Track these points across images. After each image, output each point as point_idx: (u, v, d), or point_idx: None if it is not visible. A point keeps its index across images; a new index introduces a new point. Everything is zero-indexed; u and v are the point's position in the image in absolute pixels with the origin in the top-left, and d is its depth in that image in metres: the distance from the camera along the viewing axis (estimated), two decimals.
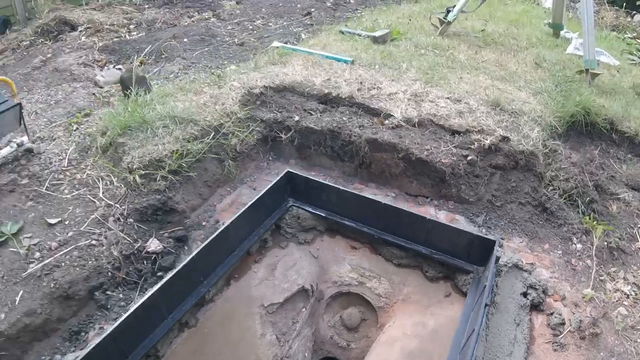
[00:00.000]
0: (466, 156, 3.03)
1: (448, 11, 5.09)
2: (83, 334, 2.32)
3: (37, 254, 2.45)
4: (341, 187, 2.87)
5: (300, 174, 2.97)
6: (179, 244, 2.75)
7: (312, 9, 6.51)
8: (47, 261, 2.40)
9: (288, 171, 2.95)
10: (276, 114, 3.48)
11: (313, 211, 2.97)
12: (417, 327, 2.56)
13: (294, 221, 3.02)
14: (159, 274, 2.59)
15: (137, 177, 2.79)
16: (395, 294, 2.84)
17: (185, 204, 2.92)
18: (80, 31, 5.86)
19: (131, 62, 5.08)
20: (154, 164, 2.85)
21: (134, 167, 2.82)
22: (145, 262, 2.59)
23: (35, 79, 4.72)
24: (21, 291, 2.27)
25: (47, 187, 2.93)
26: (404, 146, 3.06)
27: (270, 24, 6.09)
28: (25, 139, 3.27)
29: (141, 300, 2.15)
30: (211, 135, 3.09)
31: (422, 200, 3.19)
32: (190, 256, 2.35)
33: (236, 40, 5.48)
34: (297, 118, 3.41)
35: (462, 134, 3.16)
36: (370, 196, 2.86)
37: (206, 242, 2.42)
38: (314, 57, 4.19)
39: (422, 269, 2.85)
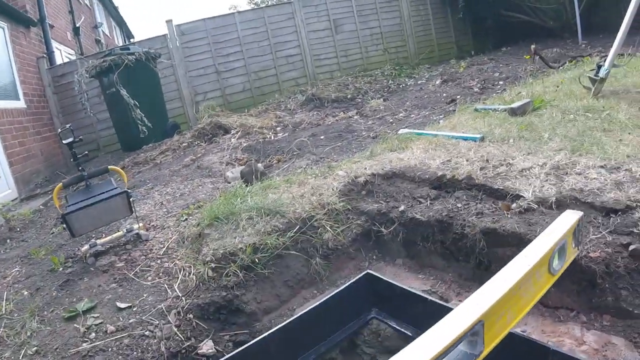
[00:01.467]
0: (627, 245, 2.09)
1: (599, 67, 4.28)
2: None
3: (93, 335, 2.41)
4: (429, 298, 2.18)
5: (382, 277, 2.38)
6: None
7: (458, 96, 6.10)
8: (97, 343, 2.32)
9: (368, 273, 2.40)
10: (381, 204, 3.03)
11: (397, 327, 2.32)
12: None
13: (374, 338, 2.41)
14: None
15: (208, 271, 2.57)
16: None
17: (257, 304, 2.56)
18: (233, 134, 6.34)
19: (270, 160, 5.22)
20: (227, 257, 2.61)
21: (207, 259, 2.62)
22: None
23: (179, 174, 5.10)
24: None
25: (136, 272, 2.94)
26: (533, 237, 2.28)
27: (412, 115, 5.83)
28: (136, 226, 3.39)
29: None
30: (295, 229, 2.76)
31: (564, 315, 2.25)
32: None
33: (371, 134, 5.29)
34: (402, 208, 2.90)
35: (620, 213, 2.24)
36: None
37: (242, 348, 1.98)
38: (438, 139, 3.72)
39: None
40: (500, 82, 6.77)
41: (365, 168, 3.36)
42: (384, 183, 3.20)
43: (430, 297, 2.25)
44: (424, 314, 2.18)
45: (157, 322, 2.44)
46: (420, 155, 3.45)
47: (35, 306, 2.78)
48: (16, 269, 3.49)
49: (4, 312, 2.80)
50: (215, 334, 2.43)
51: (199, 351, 2.32)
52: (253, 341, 2.08)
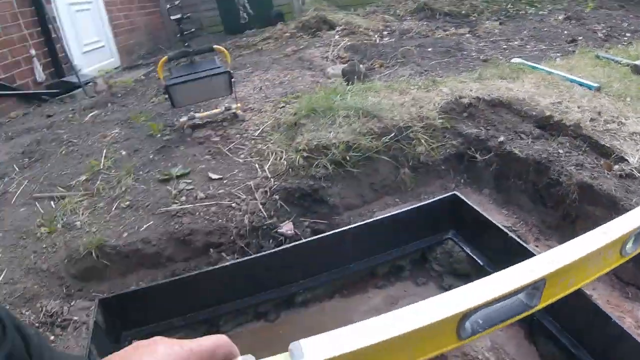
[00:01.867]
0: None
1: None
2: None
3: (183, 198, 2.59)
4: (510, 234, 2.11)
5: (468, 202, 2.32)
6: None
7: (580, 37, 5.47)
8: (186, 206, 2.51)
9: (454, 194, 2.36)
10: (480, 130, 2.91)
11: (471, 254, 2.29)
12: None
13: (445, 258, 2.41)
14: None
15: (300, 159, 2.65)
16: None
17: (340, 199, 2.63)
18: (337, 31, 6.17)
19: (372, 64, 5.08)
20: (319, 149, 2.66)
21: (300, 148, 2.69)
22: (271, 240, 2.42)
23: (279, 63, 5.12)
24: (151, 221, 2.43)
25: (229, 148, 3.08)
26: (628, 205, 2.13)
27: (528, 46, 5.34)
28: (234, 105, 3.50)
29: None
30: (390, 135, 2.74)
31: (634, 293, 2.10)
32: (291, 244, 2.06)
33: (482, 56, 4.95)
34: (501, 139, 2.77)
35: None
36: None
37: (321, 236, 2.08)
38: (552, 77, 3.43)
39: None
40: (628, 34, 5.95)
41: (471, 90, 3.19)
42: (488, 110, 3.05)
43: (510, 234, 2.18)
44: (500, 249, 2.16)
45: (244, 197, 2.58)
46: (530, 90, 3.22)
47: (132, 165, 3.01)
48: (116, 131, 3.75)
49: (102, 167, 3.06)
50: (297, 218, 2.53)
51: (278, 230, 2.45)
52: (332, 231, 2.17)
